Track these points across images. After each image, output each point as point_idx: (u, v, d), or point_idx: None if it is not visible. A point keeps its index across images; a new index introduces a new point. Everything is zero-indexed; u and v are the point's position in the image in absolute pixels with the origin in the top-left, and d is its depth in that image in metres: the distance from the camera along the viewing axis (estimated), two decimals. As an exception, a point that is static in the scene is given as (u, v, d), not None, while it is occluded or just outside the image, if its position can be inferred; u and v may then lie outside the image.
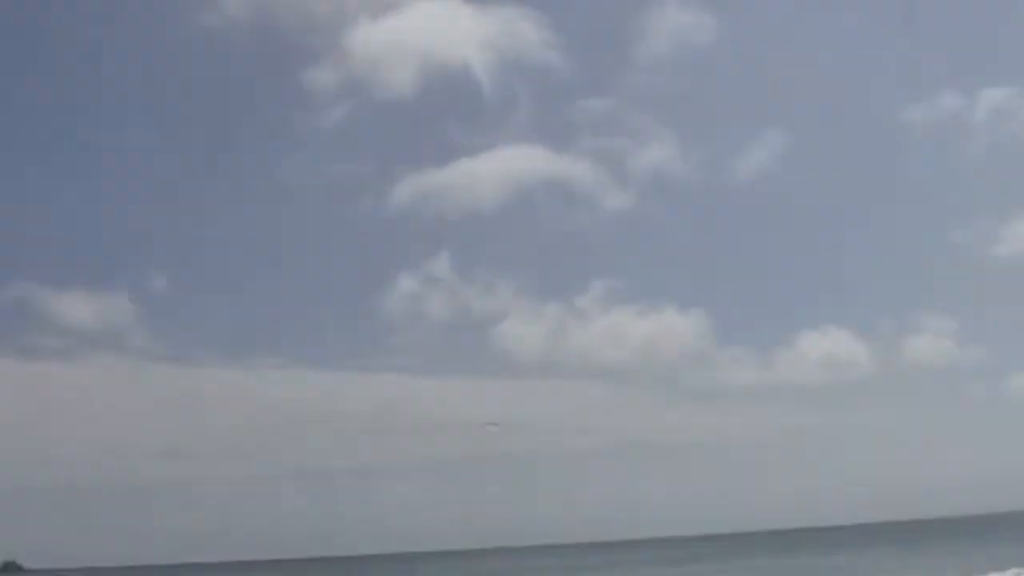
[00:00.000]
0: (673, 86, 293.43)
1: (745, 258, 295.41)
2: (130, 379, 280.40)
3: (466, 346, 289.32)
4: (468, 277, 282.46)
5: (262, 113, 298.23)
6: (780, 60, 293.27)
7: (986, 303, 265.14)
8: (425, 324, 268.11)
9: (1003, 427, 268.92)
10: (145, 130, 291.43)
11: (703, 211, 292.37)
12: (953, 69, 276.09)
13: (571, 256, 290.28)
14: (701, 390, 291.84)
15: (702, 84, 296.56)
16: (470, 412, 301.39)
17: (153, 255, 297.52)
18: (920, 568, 63.67)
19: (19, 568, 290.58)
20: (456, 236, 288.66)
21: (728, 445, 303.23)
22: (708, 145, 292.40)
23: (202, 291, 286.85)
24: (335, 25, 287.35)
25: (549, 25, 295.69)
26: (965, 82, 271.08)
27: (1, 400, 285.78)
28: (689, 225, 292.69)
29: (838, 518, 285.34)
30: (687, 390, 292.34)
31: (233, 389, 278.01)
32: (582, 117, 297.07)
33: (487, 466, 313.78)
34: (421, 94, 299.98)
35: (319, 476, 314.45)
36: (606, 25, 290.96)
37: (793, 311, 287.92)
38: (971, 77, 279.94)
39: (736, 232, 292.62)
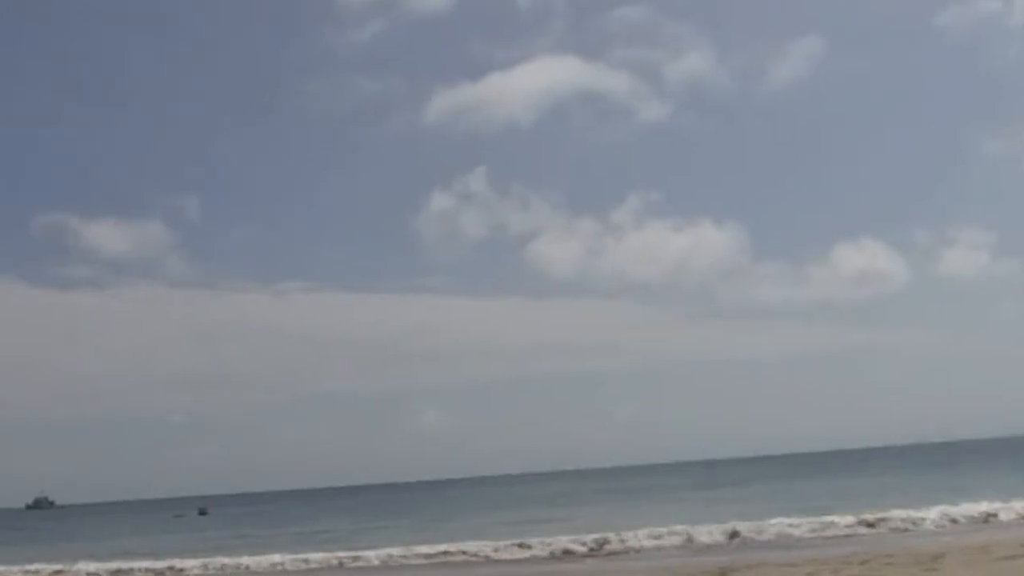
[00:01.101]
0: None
1: (780, 169, 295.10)
2: (163, 307, 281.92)
3: (501, 265, 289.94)
4: (503, 193, 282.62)
5: (293, 32, 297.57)
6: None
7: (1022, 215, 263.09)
8: (459, 243, 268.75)
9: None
10: (176, 55, 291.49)
11: (739, 121, 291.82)
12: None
13: (606, 170, 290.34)
14: (736, 307, 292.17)
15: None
16: (504, 334, 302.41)
17: (185, 182, 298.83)
18: (948, 491, 62.55)
19: (51, 504, 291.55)
20: (491, 152, 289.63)
21: (763, 363, 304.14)
22: (744, 53, 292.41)
23: (234, 216, 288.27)
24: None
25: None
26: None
27: (35, 331, 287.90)
28: (725, 136, 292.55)
29: (873, 439, 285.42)
30: (722, 307, 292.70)
31: (266, 315, 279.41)
32: (617, 26, 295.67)
33: (521, 389, 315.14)
34: (454, 8, 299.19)
35: (352, 402, 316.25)
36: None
37: (828, 224, 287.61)
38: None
39: (772, 142, 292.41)
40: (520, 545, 47.32)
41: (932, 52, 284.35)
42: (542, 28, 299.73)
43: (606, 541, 46.07)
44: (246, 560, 52.36)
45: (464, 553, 47.41)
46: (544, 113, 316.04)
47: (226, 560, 53.22)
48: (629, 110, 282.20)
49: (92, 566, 55.31)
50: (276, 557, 52.07)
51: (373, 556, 49.57)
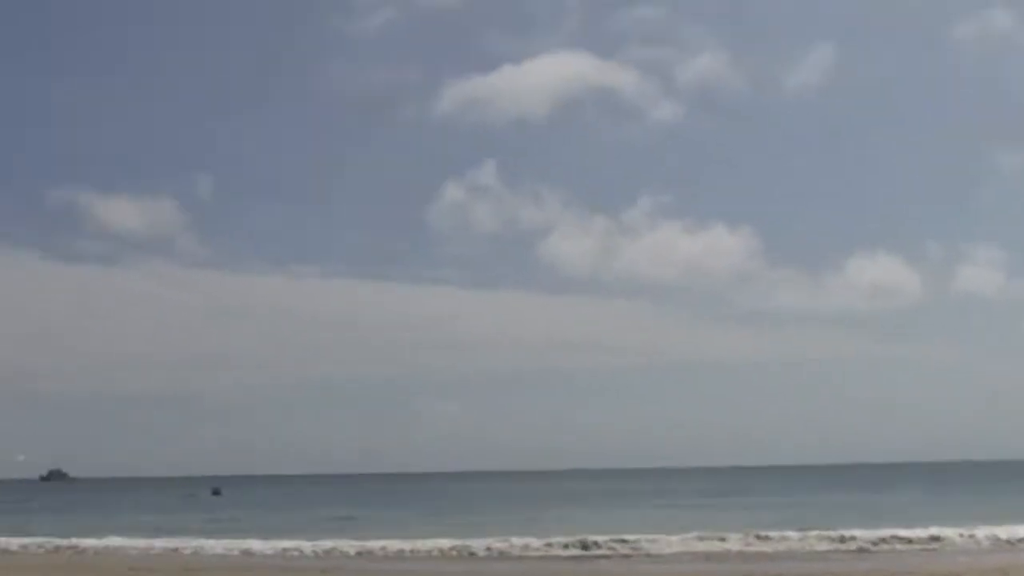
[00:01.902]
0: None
1: (794, 175, 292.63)
2: (175, 285, 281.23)
3: (512, 259, 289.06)
4: (514, 188, 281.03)
5: (307, 19, 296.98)
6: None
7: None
8: (471, 235, 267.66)
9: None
10: (192, 36, 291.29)
11: (750, 125, 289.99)
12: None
13: (617, 168, 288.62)
14: (747, 312, 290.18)
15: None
16: (514, 329, 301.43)
17: (200, 160, 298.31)
18: (966, 511, 62.34)
19: (63, 476, 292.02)
20: (502, 145, 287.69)
21: (771, 370, 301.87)
22: (758, 57, 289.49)
23: (248, 197, 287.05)
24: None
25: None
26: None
27: (48, 304, 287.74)
28: (737, 139, 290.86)
29: (884, 454, 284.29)
30: (733, 312, 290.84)
31: (277, 297, 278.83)
32: (631, 25, 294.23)
33: (530, 384, 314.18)
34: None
35: (362, 389, 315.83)
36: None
37: (843, 233, 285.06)
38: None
39: (785, 148, 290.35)
40: (548, 544, 47.03)
41: (948, 64, 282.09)
42: (556, 23, 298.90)
43: (623, 542, 46.05)
44: (257, 544, 52.24)
45: (487, 550, 47.22)
46: (556, 107, 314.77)
47: (257, 543, 52.85)
48: (639, 109, 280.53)
49: (117, 541, 55.36)
50: (303, 544, 51.76)
51: (387, 546, 49.40)
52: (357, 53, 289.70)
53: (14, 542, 55.29)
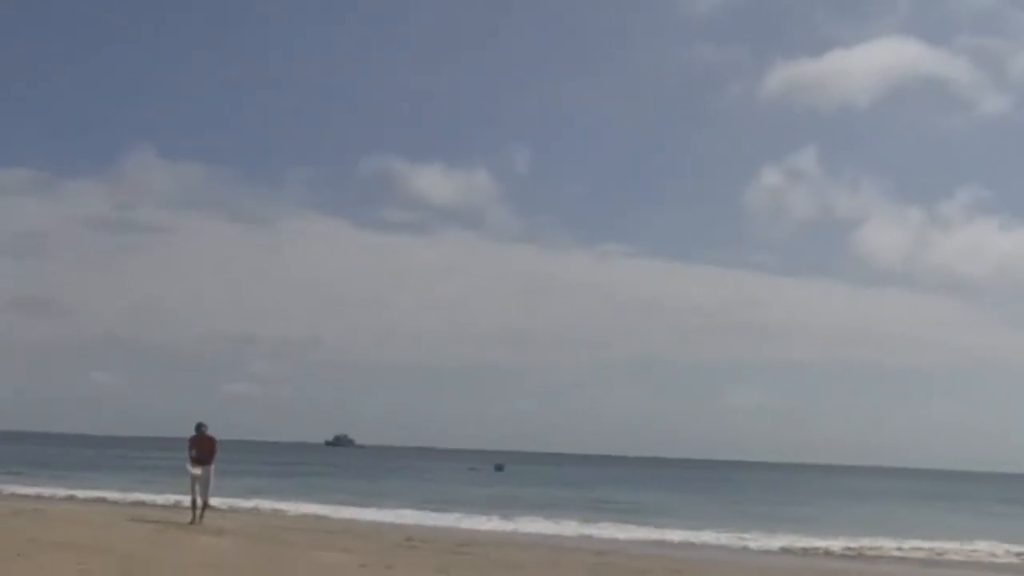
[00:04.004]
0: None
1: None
2: (484, 257, 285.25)
3: (824, 247, 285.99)
4: (834, 174, 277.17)
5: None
6: None
7: None
8: (785, 221, 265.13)
9: None
10: (521, 8, 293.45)
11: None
12: None
13: (937, 159, 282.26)
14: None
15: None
16: (820, 318, 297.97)
17: (518, 133, 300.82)
18: None
19: (350, 442, 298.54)
20: (824, 130, 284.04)
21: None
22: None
23: (562, 173, 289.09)
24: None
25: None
26: None
27: (356, 272, 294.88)
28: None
29: None
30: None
31: (584, 274, 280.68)
32: (963, 12, 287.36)
33: (832, 377, 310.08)
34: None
35: (660, 371, 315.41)
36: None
37: None
38: None
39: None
40: (818, 547, 45.42)
41: None
42: (888, 7, 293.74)
43: (899, 548, 44.78)
44: (532, 523, 52.08)
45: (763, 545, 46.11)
46: (882, 95, 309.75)
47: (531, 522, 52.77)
48: (968, 100, 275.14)
49: (396, 510, 55.90)
50: (578, 526, 51.51)
51: (667, 536, 48.64)
52: (688, 31, 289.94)
53: (292, 507, 56.39)
